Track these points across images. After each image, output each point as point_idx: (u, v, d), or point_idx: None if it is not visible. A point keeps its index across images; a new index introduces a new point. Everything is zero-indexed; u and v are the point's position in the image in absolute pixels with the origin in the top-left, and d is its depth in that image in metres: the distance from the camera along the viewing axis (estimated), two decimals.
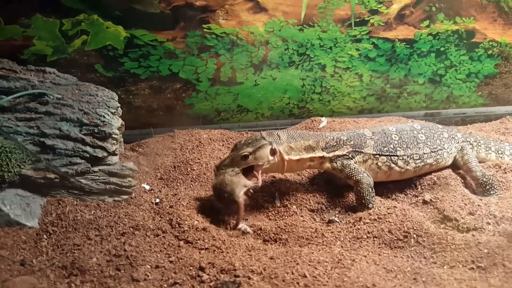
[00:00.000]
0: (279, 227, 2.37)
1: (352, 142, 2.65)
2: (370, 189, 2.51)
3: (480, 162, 2.90)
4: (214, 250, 2.13)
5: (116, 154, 2.58)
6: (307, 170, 2.96)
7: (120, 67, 3.34)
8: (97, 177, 2.48)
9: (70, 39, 3.18)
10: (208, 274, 1.92)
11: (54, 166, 2.35)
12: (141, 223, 2.32)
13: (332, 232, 2.35)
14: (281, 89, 3.72)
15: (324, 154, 2.61)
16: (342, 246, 2.23)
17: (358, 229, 2.32)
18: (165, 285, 1.87)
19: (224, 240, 2.21)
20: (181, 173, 2.95)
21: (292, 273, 1.91)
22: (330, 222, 2.49)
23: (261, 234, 2.34)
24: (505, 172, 2.86)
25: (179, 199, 2.61)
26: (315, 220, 2.56)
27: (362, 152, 2.64)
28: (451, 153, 2.83)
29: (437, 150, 2.75)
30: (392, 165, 2.66)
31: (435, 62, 3.86)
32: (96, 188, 2.46)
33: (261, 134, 2.58)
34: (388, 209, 2.42)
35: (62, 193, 2.42)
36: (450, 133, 2.88)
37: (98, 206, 2.42)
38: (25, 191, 2.32)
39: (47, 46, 3.16)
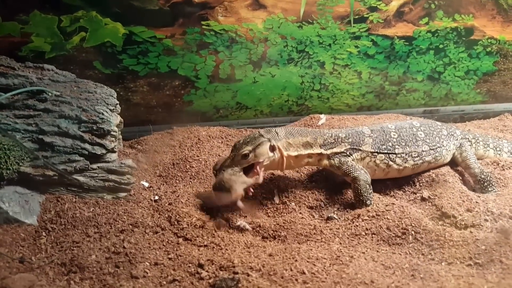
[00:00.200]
0: (277, 224, 2.38)
1: (350, 140, 2.66)
2: (367, 186, 2.52)
3: (478, 159, 2.91)
4: (213, 247, 2.14)
5: (114, 151, 2.58)
6: (305, 167, 2.97)
7: (119, 64, 3.33)
8: (96, 175, 2.48)
9: (68, 35, 3.17)
10: (207, 271, 1.93)
11: (53, 164, 2.35)
12: (140, 220, 2.32)
13: (330, 229, 2.36)
14: (280, 86, 3.72)
15: (322, 151, 2.62)
16: (340, 243, 2.24)
17: (357, 226, 2.33)
18: (164, 282, 1.88)
19: (223, 237, 2.22)
20: (180, 170, 2.95)
21: (291, 270, 1.92)
22: (329, 219, 2.50)
23: (260, 231, 2.35)
24: (503, 169, 2.87)
25: (178, 196, 2.61)
26: (313, 217, 2.56)
27: (360, 150, 2.65)
28: (450, 151, 2.83)
29: (436, 148, 2.76)
30: (390, 162, 2.66)
31: (434, 59, 3.86)
32: (95, 185, 2.46)
33: (259, 132, 2.58)
34: (386, 206, 2.43)
35: (61, 190, 2.42)
36: (449, 130, 2.88)
37: (97, 203, 2.42)
38: (23, 189, 2.32)
39: (45, 42, 3.15)
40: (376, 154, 2.65)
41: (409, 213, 2.34)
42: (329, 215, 2.52)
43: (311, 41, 3.60)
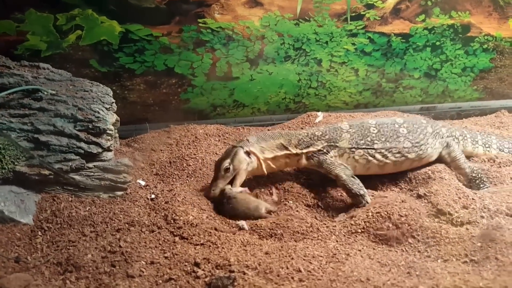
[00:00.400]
0: (274, 222, 2.38)
1: (326, 137, 2.66)
2: (352, 178, 2.52)
3: (467, 156, 2.88)
4: (210, 246, 2.14)
5: (111, 150, 2.58)
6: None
7: (115, 62, 3.32)
8: (92, 173, 2.47)
9: (64, 34, 3.16)
10: (203, 270, 1.93)
11: (48, 163, 2.34)
12: (136, 219, 2.32)
13: (327, 227, 2.36)
14: (277, 84, 3.72)
15: (298, 150, 2.65)
16: (337, 241, 2.24)
17: (353, 223, 2.33)
18: (160, 281, 1.88)
19: (219, 236, 2.21)
20: (176, 168, 2.95)
21: (287, 268, 1.92)
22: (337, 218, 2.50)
23: (257, 229, 2.35)
24: (500, 167, 2.87)
25: (175, 194, 2.61)
26: (311, 215, 2.56)
27: (337, 146, 2.64)
28: (435, 148, 2.79)
29: (420, 145, 2.71)
30: (370, 158, 2.64)
31: (430, 57, 3.86)
32: (91, 184, 2.45)
33: (231, 145, 2.73)
34: (382, 203, 2.43)
35: (57, 189, 2.41)
36: (435, 128, 2.82)
37: (93, 202, 2.42)
38: (19, 188, 2.32)
39: (41, 41, 3.14)
40: (354, 150, 2.64)
41: (406, 210, 2.34)
42: (339, 218, 2.51)
43: (308, 39, 3.59)
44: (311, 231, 2.32)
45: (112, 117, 2.65)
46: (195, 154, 3.08)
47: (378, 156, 2.65)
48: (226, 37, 3.44)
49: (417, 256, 2.10)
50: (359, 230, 2.29)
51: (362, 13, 3.59)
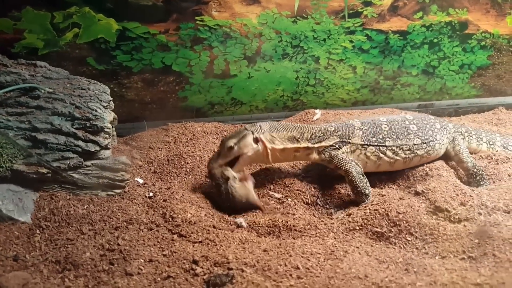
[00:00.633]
0: (272, 219, 2.38)
1: (339, 133, 2.67)
2: (361, 176, 2.53)
3: (471, 153, 2.91)
4: (208, 243, 2.14)
5: (108, 148, 2.57)
6: (301, 162, 2.97)
7: (112, 60, 3.32)
8: (90, 172, 2.47)
9: (61, 32, 3.15)
10: (201, 267, 1.93)
11: (46, 161, 2.33)
12: (135, 217, 2.32)
13: (325, 224, 2.37)
14: (275, 82, 3.72)
15: (309, 144, 2.64)
16: (335, 238, 2.24)
17: (350, 221, 2.34)
18: (159, 279, 1.88)
19: (218, 233, 2.22)
20: (174, 166, 2.95)
21: (285, 265, 1.92)
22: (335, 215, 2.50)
23: (255, 227, 2.35)
24: (497, 163, 2.88)
25: (173, 192, 2.61)
26: (309, 212, 2.57)
27: (349, 143, 2.65)
28: (443, 144, 2.83)
29: (429, 142, 2.76)
30: (381, 155, 2.67)
31: (428, 54, 3.87)
32: (89, 182, 2.45)
33: (244, 126, 2.68)
34: (380, 201, 2.43)
35: (55, 187, 2.41)
36: (442, 124, 2.88)
37: (91, 200, 2.42)
38: (17, 186, 2.31)
39: (38, 39, 3.13)
40: (366, 146, 2.66)
41: (404, 207, 2.35)
42: (335, 216, 2.51)
43: (306, 36, 3.59)
44: (309, 229, 2.32)
45: (109, 115, 2.64)
46: (193, 152, 3.08)
47: (389, 153, 2.67)
48: (224, 35, 3.44)
49: (415, 253, 2.10)
50: (357, 227, 2.30)
51: (359, 10, 3.59)
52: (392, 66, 3.85)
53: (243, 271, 1.88)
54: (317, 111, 3.71)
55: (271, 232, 2.32)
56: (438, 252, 2.08)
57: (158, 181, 2.81)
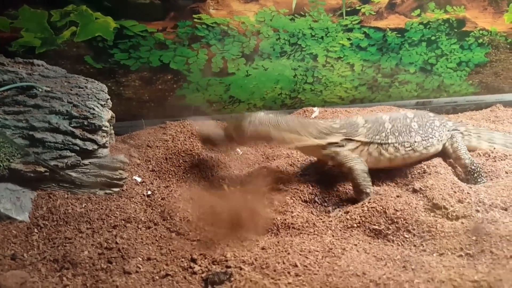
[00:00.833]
0: (270, 218, 2.38)
1: (344, 130, 2.68)
2: (365, 174, 2.54)
3: (470, 151, 2.92)
4: (206, 242, 2.14)
5: (106, 147, 2.57)
6: (299, 160, 2.97)
7: (110, 59, 3.31)
8: (88, 170, 2.47)
9: (58, 30, 3.14)
10: (199, 265, 1.93)
11: (44, 160, 2.33)
12: (133, 215, 2.32)
13: (323, 222, 2.37)
14: (273, 80, 3.71)
15: (316, 141, 2.63)
16: (333, 235, 2.25)
17: (348, 218, 2.34)
18: (157, 277, 1.88)
19: (216, 231, 2.22)
20: (173, 165, 2.95)
21: (283, 263, 1.92)
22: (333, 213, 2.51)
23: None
24: (495, 161, 2.88)
25: (171, 191, 2.61)
26: (307, 210, 2.57)
27: (353, 140, 2.66)
28: (441, 141, 2.85)
29: (428, 139, 2.78)
30: (383, 151, 2.69)
31: (426, 51, 3.87)
32: (86, 181, 2.45)
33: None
34: (377, 198, 2.44)
35: (53, 186, 2.41)
36: (441, 121, 2.90)
37: (89, 199, 2.42)
38: (15, 185, 2.31)
39: (35, 38, 3.12)
40: (369, 144, 2.67)
41: (402, 204, 2.35)
42: (333, 213, 2.52)
43: (304, 34, 3.59)
44: (307, 226, 2.33)
45: (107, 114, 2.64)
46: (191, 150, 3.08)
47: (391, 149, 2.69)
48: (222, 33, 3.43)
49: (413, 250, 2.11)
50: (355, 225, 2.30)
51: (357, 8, 3.59)
52: (390, 63, 3.85)
53: (241, 269, 1.88)
54: (315, 109, 3.71)
55: (269, 230, 2.32)
56: (436, 249, 2.08)
57: (156, 179, 2.81)
